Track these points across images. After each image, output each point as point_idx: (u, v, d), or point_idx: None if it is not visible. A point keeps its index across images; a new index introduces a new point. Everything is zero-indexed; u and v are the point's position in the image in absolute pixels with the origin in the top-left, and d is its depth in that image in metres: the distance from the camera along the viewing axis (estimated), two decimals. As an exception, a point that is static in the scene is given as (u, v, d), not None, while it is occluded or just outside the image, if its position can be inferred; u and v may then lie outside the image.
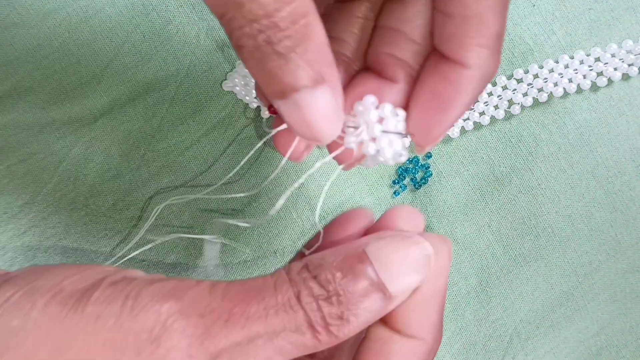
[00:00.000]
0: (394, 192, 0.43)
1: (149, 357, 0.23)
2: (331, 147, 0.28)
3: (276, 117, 0.29)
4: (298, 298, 0.24)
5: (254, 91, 0.41)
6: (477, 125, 0.42)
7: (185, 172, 0.42)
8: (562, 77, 0.42)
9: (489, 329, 0.43)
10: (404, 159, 0.28)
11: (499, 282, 0.43)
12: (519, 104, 0.42)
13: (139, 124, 0.41)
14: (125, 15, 0.40)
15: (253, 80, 0.40)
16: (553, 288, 0.43)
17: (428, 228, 0.43)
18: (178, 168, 0.42)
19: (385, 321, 0.27)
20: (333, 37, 0.29)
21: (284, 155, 0.29)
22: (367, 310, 0.25)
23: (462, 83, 0.26)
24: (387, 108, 0.27)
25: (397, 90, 0.28)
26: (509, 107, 0.42)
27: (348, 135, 0.27)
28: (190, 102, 0.41)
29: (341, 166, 0.29)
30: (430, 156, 0.43)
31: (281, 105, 0.25)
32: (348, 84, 0.29)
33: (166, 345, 0.23)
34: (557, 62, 0.42)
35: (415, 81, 0.28)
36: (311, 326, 0.24)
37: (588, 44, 0.42)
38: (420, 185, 0.43)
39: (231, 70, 0.41)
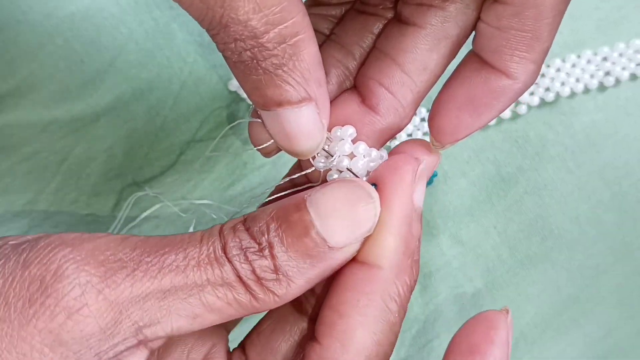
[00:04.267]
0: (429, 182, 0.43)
1: (40, 308, 0.22)
2: (301, 160, 0.28)
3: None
4: (224, 250, 0.23)
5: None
6: (483, 125, 0.42)
7: (188, 171, 0.42)
8: (569, 76, 0.42)
9: (495, 332, 0.43)
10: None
11: (505, 284, 0.43)
12: (525, 103, 0.42)
13: (142, 123, 0.41)
14: (128, 13, 0.40)
15: None
16: (560, 291, 0.43)
17: (433, 228, 0.42)
18: (181, 167, 0.42)
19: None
20: (340, 45, 0.29)
21: (255, 146, 0.28)
22: (307, 264, 0.23)
23: (504, 93, 0.26)
24: (361, 147, 0.27)
25: (375, 121, 0.27)
26: (515, 107, 0.42)
27: (319, 157, 0.27)
28: (193, 101, 0.41)
29: (305, 186, 0.28)
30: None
31: (263, 115, 0.25)
32: (335, 99, 0.28)
33: (56, 294, 0.22)
34: (564, 61, 0.42)
35: (397, 115, 0.27)
36: (242, 281, 0.23)
37: (595, 43, 0.42)
38: (426, 186, 0.42)
39: None
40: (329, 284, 0.25)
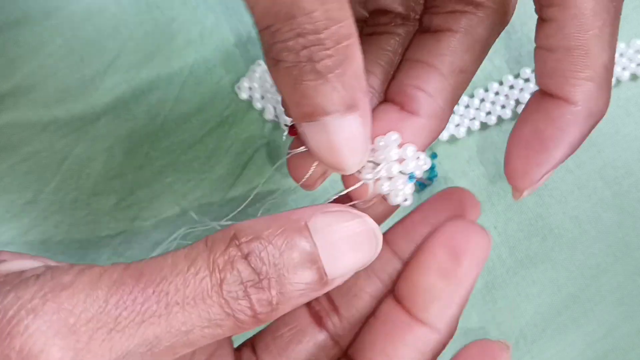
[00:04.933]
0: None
1: None
2: (346, 179, 0.27)
3: (295, 139, 0.28)
4: (220, 286, 0.21)
5: (264, 97, 0.41)
6: (484, 125, 0.42)
7: (188, 171, 0.42)
8: (569, 76, 0.42)
9: (495, 331, 0.43)
10: (409, 203, 0.27)
11: (505, 284, 0.43)
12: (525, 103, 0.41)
13: (142, 123, 0.41)
14: (129, 13, 0.40)
15: (270, 91, 0.41)
16: (560, 290, 0.43)
17: (433, 229, 0.42)
18: (181, 167, 0.41)
19: (401, 303, 0.25)
20: None
21: (296, 181, 0.27)
22: (299, 294, 0.22)
23: (566, 120, 0.25)
24: (409, 149, 0.26)
25: (418, 124, 0.27)
26: (515, 107, 0.42)
27: (365, 170, 0.26)
28: (193, 101, 0.41)
29: (352, 203, 0.27)
30: (436, 156, 0.42)
31: (307, 128, 0.24)
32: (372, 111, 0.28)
33: None
34: (564, 61, 0.42)
35: (438, 118, 0.27)
36: (234, 317, 0.22)
37: (596, 43, 0.42)
38: (426, 186, 0.42)
39: (246, 74, 0.41)
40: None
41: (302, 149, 0.26)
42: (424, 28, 0.28)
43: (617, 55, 0.41)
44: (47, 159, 0.41)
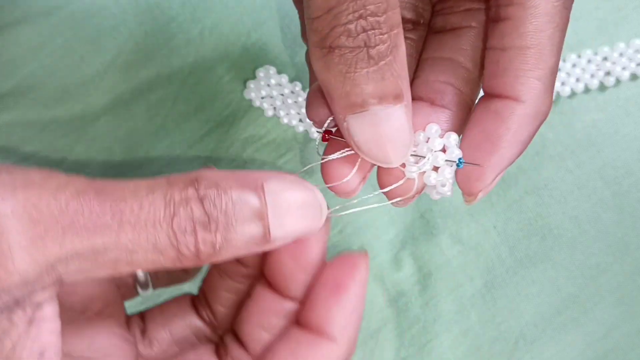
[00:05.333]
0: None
1: None
2: (382, 177, 0.28)
3: (328, 146, 0.28)
4: (172, 218, 0.23)
5: (278, 103, 0.41)
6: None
7: (188, 170, 0.41)
8: (569, 76, 0.42)
9: (495, 332, 0.42)
10: (450, 194, 0.27)
11: (504, 283, 0.43)
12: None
13: (141, 122, 0.41)
14: (128, 12, 0.40)
15: (282, 93, 0.41)
16: (559, 290, 0.43)
17: (433, 228, 0.42)
18: (181, 166, 0.41)
19: (301, 321, 0.27)
20: None
21: (335, 191, 0.28)
22: (242, 244, 0.24)
23: (515, 119, 0.26)
24: (452, 137, 0.26)
25: (449, 116, 0.28)
26: (515, 107, 0.42)
27: (409, 165, 0.26)
28: (193, 100, 0.41)
29: (394, 201, 0.28)
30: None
31: (353, 121, 0.24)
32: None
33: None
34: (564, 61, 0.42)
35: (467, 108, 0.28)
36: (177, 249, 0.23)
37: (596, 43, 0.42)
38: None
39: (254, 78, 0.41)
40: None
41: (339, 153, 0.26)
42: (437, 29, 0.29)
43: (617, 54, 0.41)
44: (47, 158, 0.41)
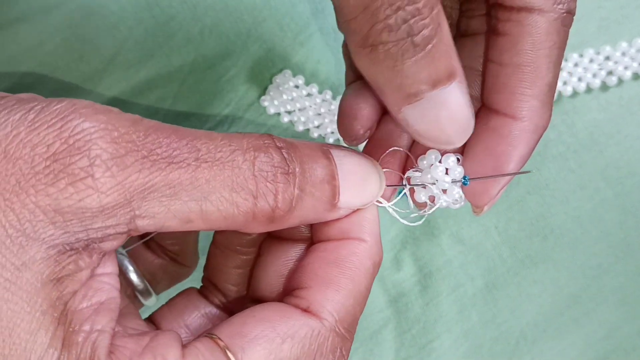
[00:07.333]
0: (399, 192, 0.42)
1: (43, 170, 0.20)
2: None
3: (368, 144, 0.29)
4: (253, 162, 0.22)
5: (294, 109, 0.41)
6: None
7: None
8: (571, 75, 0.41)
9: (496, 332, 0.42)
10: (463, 204, 0.28)
11: (506, 284, 0.42)
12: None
13: (141, 121, 0.41)
14: (128, 11, 0.40)
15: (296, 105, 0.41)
16: (561, 290, 0.43)
17: (434, 228, 0.42)
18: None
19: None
20: None
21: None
22: (312, 205, 0.24)
23: (515, 136, 0.26)
24: (452, 159, 0.27)
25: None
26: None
27: (418, 191, 0.28)
28: (193, 99, 0.41)
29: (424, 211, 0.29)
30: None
31: (410, 111, 0.24)
32: None
33: (63, 160, 0.20)
34: (566, 60, 0.41)
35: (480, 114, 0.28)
36: (255, 198, 0.23)
37: (598, 42, 0.42)
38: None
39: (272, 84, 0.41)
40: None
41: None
42: (461, 32, 0.29)
43: (619, 54, 0.41)
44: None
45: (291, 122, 0.42)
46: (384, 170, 0.27)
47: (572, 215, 0.42)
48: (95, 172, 0.20)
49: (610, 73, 0.41)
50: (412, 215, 0.28)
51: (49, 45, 0.40)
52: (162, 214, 0.22)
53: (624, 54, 0.41)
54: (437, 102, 0.24)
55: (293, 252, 0.28)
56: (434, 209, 0.28)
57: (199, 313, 0.30)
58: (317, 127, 0.42)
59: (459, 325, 0.42)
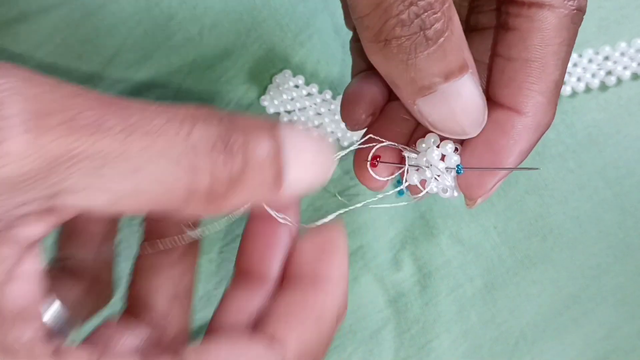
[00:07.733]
0: (399, 192, 0.42)
1: None
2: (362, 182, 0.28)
3: (357, 153, 0.29)
4: (190, 131, 0.20)
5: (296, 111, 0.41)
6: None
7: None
8: (570, 75, 0.41)
9: (495, 332, 0.42)
10: (457, 195, 0.28)
11: (505, 284, 0.42)
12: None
13: (140, 121, 0.41)
14: (127, 11, 0.40)
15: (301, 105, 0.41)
16: (560, 290, 0.42)
17: (433, 228, 0.42)
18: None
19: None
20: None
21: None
22: (255, 183, 0.21)
23: (517, 131, 0.26)
24: (449, 146, 0.27)
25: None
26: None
27: (411, 173, 0.28)
28: (193, 99, 0.41)
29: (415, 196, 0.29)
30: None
31: (424, 104, 0.25)
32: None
33: None
34: (565, 60, 0.41)
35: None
36: (194, 168, 0.20)
37: (597, 42, 0.42)
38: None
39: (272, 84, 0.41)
40: None
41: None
42: (470, 27, 0.29)
43: (618, 54, 0.41)
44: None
45: (291, 122, 0.42)
46: (384, 144, 0.27)
47: (571, 215, 0.42)
48: (11, 134, 0.17)
49: (609, 73, 0.41)
50: (402, 202, 0.29)
51: (48, 45, 0.40)
52: (88, 189, 0.19)
53: (623, 54, 0.41)
54: (451, 94, 0.24)
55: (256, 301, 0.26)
56: (422, 193, 0.28)
57: (126, 342, 0.26)
58: (317, 126, 0.42)
59: (458, 325, 0.42)
